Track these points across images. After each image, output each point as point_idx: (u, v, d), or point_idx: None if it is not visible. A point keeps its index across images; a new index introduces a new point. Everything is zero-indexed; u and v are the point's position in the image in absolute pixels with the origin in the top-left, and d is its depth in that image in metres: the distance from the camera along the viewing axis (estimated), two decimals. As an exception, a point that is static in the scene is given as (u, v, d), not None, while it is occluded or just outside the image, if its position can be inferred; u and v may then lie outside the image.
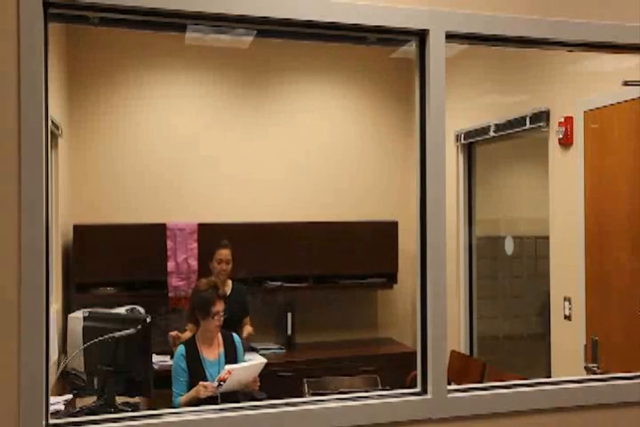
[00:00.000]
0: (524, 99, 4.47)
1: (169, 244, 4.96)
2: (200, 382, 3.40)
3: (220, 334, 3.70)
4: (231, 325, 4.24)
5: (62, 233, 4.68)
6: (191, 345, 3.62)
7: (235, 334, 3.80)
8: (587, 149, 3.73)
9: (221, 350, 3.66)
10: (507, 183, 5.47)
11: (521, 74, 4.50)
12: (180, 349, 3.61)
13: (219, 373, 3.51)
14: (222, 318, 3.62)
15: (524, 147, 5.12)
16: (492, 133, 4.71)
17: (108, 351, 2.97)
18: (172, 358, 4.34)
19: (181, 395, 3.45)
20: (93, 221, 4.93)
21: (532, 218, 4.91)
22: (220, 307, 3.60)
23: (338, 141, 5.68)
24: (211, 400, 3.30)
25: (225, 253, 4.53)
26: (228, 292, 4.52)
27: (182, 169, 5.30)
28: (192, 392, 3.40)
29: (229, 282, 4.60)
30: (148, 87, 5.31)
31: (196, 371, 3.53)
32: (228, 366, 3.44)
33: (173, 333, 3.92)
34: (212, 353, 3.64)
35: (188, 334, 3.86)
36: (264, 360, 3.82)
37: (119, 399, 3.05)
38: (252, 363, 3.68)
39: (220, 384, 3.37)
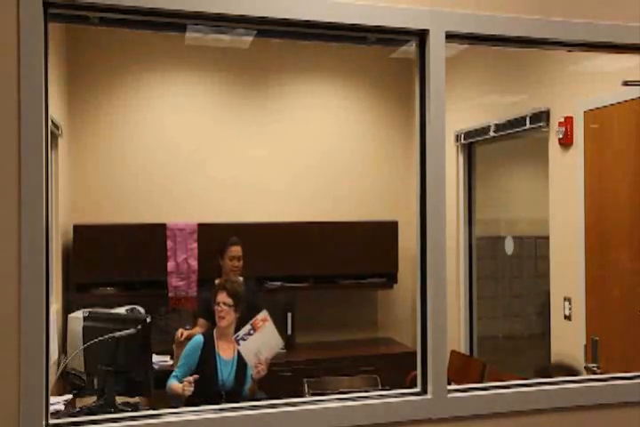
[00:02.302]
0: (524, 99, 4.47)
1: (169, 244, 4.96)
2: (186, 379, 3.40)
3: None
4: (242, 322, 4.24)
5: (62, 233, 4.68)
6: (209, 339, 3.68)
7: None
8: (587, 149, 3.73)
9: (235, 354, 3.67)
10: (507, 183, 5.47)
11: (521, 74, 4.50)
12: (199, 338, 3.67)
13: (229, 373, 3.56)
14: (224, 311, 3.65)
15: (524, 147, 5.12)
16: (492, 133, 4.72)
17: (108, 351, 2.97)
18: (172, 357, 4.34)
19: (179, 380, 3.47)
20: (93, 221, 4.93)
21: (532, 218, 4.91)
22: (220, 298, 3.66)
23: (338, 141, 5.69)
24: (212, 400, 3.31)
25: (236, 249, 4.54)
26: None
27: (182, 169, 5.30)
28: (179, 389, 3.40)
29: (240, 279, 4.60)
30: (147, 87, 5.31)
31: (209, 364, 3.58)
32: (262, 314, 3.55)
33: (182, 331, 4.00)
34: (226, 352, 3.67)
35: (197, 330, 3.92)
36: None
37: (119, 399, 3.05)
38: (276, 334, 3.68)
39: (243, 338, 3.46)
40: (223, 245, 4.54)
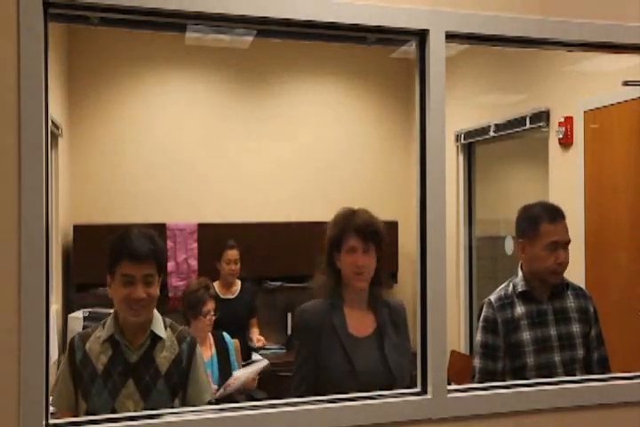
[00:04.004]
0: (524, 99, 4.47)
1: (169, 244, 4.97)
2: None
3: (210, 335, 3.65)
4: (237, 326, 4.22)
5: (62, 233, 4.68)
6: None
7: (226, 335, 3.74)
8: (587, 149, 3.73)
9: (213, 351, 3.61)
10: (507, 183, 5.47)
11: (521, 74, 4.50)
12: None
13: (212, 374, 3.49)
14: (213, 318, 3.58)
15: (524, 147, 5.12)
16: (492, 133, 4.72)
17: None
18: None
19: None
20: (93, 221, 4.92)
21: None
22: (210, 306, 3.56)
23: (338, 141, 5.69)
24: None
25: (233, 253, 4.52)
26: (237, 292, 4.51)
27: (183, 169, 5.30)
28: None
29: (238, 282, 4.59)
30: (147, 87, 5.32)
31: None
32: (235, 373, 3.39)
33: None
34: (204, 354, 3.58)
35: None
36: (266, 362, 3.80)
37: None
38: (257, 366, 3.65)
39: (224, 389, 3.36)
40: (220, 249, 4.53)
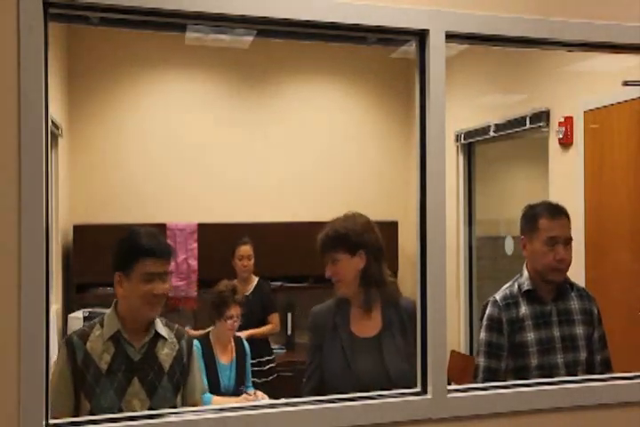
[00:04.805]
0: (524, 99, 4.47)
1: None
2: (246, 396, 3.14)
3: (232, 340, 3.60)
4: (252, 322, 4.21)
5: (62, 233, 4.68)
6: (206, 343, 3.48)
7: (243, 339, 3.73)
8: (587, 149, 3.73)
9: (234, 356, 3.56)
10: (507, 183, 5.47)
11: (521, 74, 4.50)
12: (195, 343, 3.51)
13: (229, 378, 3.48)
14: (237, 324, 3.54)
15: (524, 147, 5.12)
16: (492, 133, 4.72)
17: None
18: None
19: None
20: (93, 221, 4.92)
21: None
22: (235, 311, 3.50)
23: (338, 141, 5.69)
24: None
25: (245, 249, 4.49)
26: (251, 289, 4.49)
27: (183, 169, 5.30)
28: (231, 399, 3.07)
29: (255, 278, 4.56)
30: (148, 87, 5.32)
31: (209, 371, 3.39)
32: (262, 401, 3.20)
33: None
34: (225, 356, 3.54)
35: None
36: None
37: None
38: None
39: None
40: (233, 246, 4.51)
